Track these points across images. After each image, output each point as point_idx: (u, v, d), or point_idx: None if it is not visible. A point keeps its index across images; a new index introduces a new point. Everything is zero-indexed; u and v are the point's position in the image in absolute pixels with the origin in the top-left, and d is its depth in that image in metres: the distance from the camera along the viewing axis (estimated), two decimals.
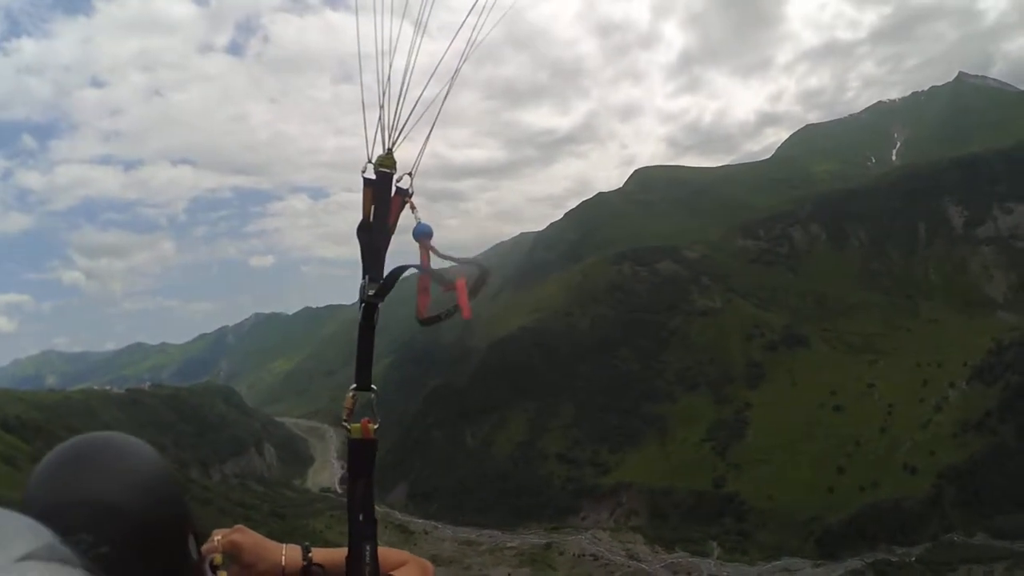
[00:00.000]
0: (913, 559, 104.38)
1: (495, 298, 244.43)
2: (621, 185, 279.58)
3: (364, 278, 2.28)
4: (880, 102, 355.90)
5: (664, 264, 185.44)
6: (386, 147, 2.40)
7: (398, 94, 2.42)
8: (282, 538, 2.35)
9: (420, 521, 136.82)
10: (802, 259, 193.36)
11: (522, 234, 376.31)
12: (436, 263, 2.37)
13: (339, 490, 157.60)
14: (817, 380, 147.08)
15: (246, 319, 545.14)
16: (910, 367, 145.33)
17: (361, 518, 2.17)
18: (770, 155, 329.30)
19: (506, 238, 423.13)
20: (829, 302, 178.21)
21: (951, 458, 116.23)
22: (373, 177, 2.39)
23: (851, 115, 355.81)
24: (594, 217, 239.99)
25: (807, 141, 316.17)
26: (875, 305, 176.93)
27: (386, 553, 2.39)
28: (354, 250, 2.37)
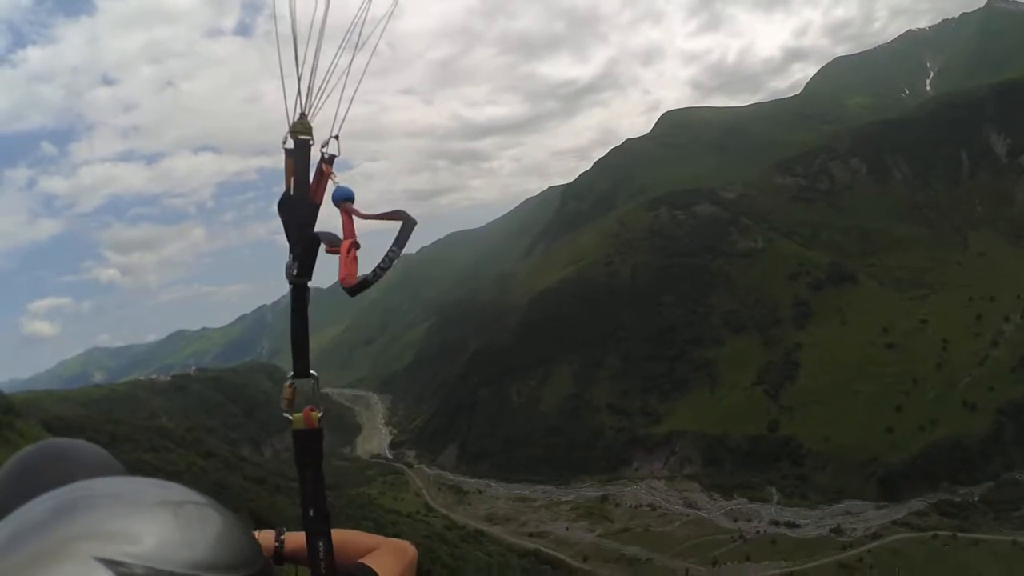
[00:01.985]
0: (976, 499, 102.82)
1: (528, 254, 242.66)
2: (649, 131, 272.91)
3: (289, 257, 2.06)
4: (910, 31, 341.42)
5: (702, 207, 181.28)
6: (301, 111, 2.13)
7: (314, 53, 2.13)
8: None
9: (472, 481, 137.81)
10: (843, 194, 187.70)
11: (550, 188, 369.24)
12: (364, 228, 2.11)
13: (390, 456, 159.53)
14: (867, 317, 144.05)
15: (283, 296, 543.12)
16: (962, 301, 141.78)
17: (312, 513, 2.01)
18: (799, 91, 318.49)
19: (533, 194, 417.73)
20: (874, 237, 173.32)
21: (1010, 394, 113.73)
22: (291, 147, 2.11)
23: (880, 46, 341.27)
24: (625, 164, 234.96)
25: (837, 75, 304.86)
26: (921, 239, 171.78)
27: (357, 539, 2.32)
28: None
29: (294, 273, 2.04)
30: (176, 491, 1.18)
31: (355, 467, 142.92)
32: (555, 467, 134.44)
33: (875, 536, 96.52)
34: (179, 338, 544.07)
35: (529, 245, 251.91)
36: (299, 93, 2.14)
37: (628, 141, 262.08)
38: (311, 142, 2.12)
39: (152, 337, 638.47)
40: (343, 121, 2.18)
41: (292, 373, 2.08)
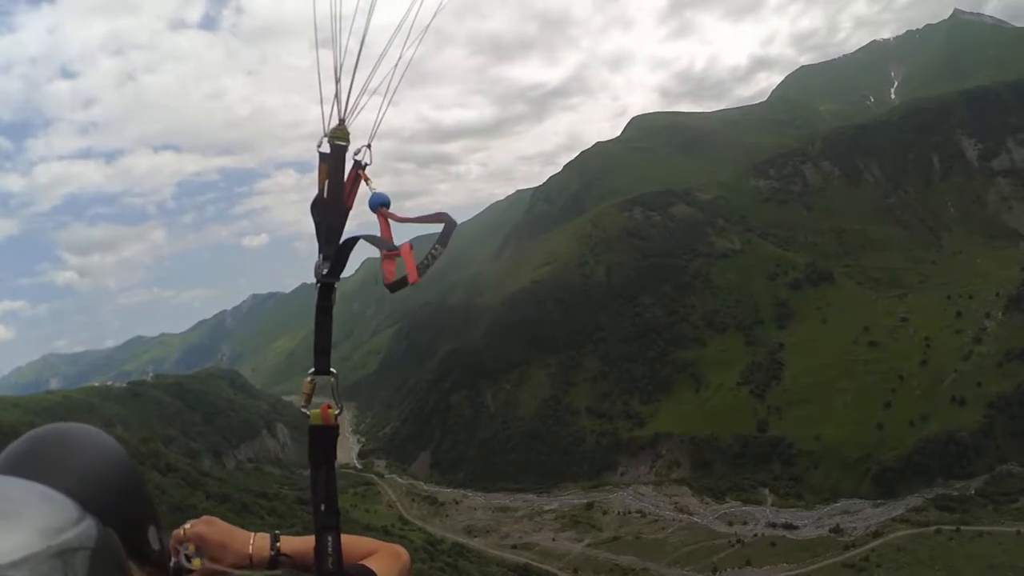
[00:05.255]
0: (973, 492, 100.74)
1: (497, 257, 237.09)
2: (618, 135, 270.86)
3: (319, 257, 2.19)
4: (874, 41, 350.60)
5: (678, 208, 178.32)
6: (340, 118, 2.25)
7: (355, 60, 2.24)
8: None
9: (448, 491, 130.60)
10: (817, 196, 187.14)
11: (518, 191, 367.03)
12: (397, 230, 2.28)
13: (359, 465, 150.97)
14: (847, 316, 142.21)
15: (244, 301, 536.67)
16: (941, 299, 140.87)
17: (323, 508, 2.10)
18: (764, 99, 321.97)
19: (500, 198, 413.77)
20: (849, 238, 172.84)
21: (999, 388, 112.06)
22: (327, 151, 2.25)
23: (845, 55, 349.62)
24: (595, 167, 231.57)
25: (803, 83, 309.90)
26: (896, 239, 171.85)
27: (355, 542, 2.34)
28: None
29: (324, 272, 2.17)
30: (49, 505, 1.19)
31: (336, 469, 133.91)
32: (535, 474, 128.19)
33: (877, 534, 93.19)
34: (137, 343, 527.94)
35: (498, 248, 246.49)
36: (336, 99, 2.23)
37: (598, 144, 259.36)
38: (347, 148, 2.25)
39: (110, 343, 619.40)
40: (377, 129, 2.31)
41: (313, 369, 2.18)
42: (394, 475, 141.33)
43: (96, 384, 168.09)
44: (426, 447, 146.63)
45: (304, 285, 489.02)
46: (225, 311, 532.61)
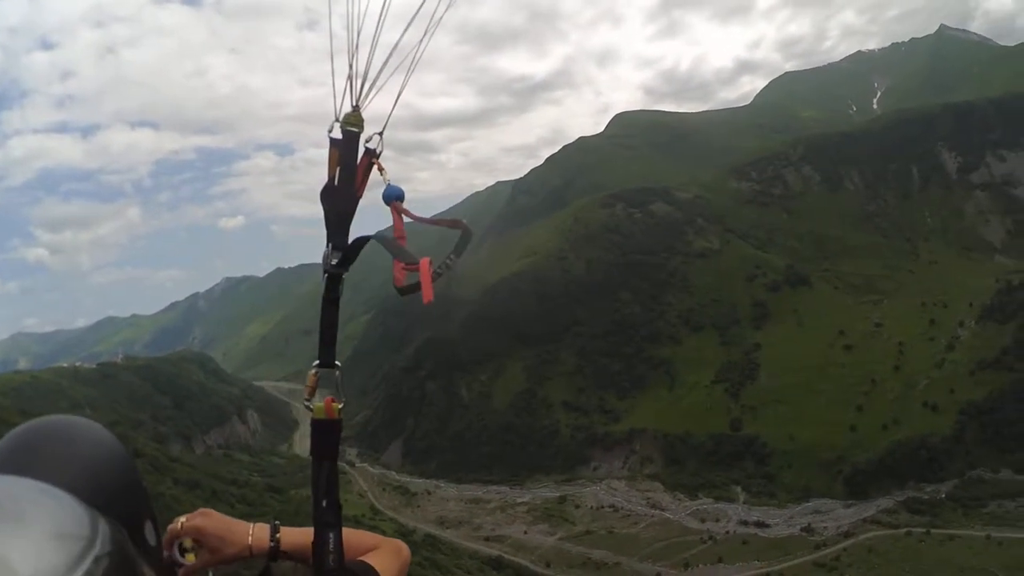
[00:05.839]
0: (943, 496, 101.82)
1: (477, 248, 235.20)
2: (601, 130, 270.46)
3: (328, 246, 2.10)
4: (860, 52, 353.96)
5: (657, 205, 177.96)
6: (354, 103, 2.17)
7: (370, 43, 2.15)
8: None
9: (420, 481, 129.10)
10: (797, 201, 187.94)
11: (498, 183, 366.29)
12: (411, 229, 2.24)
13: None
14: (823, 320, 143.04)
15: (217, 284, 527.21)
16: (915, 307, 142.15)
17: (325, 503, 2.02)
18: (747, 102, 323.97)
19: (480, 188, 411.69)
20: (828, 243, 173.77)
21: (970, 395, 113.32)
22: (339, 137, 2.16)
23: (830, 64, 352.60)
24: (577, 162, 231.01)
25: (786, 88, 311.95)
26: (874, 247, 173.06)
27: (356, 537, 2.29)
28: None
29: (333, 263, 2.08)
30: (56, 506, 1.13)
31: (294, 466, 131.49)
32: (508, 467, 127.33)
33: (848, 535, 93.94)
34: (108, 324, 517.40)
35: (478, 239, 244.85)
36: (350, 84, 2.15)
37: (581, 139, 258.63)
38: (360, 135, 2.17)
39: (81, 322, 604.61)
40: (390, 117, 2.25)
41: (317, 361, 2.10)
42: (365, 464, 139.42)
43: (65, 365, 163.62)
44: (398, 436, 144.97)
45: (279, 270, 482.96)
46: (198, 293, 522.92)
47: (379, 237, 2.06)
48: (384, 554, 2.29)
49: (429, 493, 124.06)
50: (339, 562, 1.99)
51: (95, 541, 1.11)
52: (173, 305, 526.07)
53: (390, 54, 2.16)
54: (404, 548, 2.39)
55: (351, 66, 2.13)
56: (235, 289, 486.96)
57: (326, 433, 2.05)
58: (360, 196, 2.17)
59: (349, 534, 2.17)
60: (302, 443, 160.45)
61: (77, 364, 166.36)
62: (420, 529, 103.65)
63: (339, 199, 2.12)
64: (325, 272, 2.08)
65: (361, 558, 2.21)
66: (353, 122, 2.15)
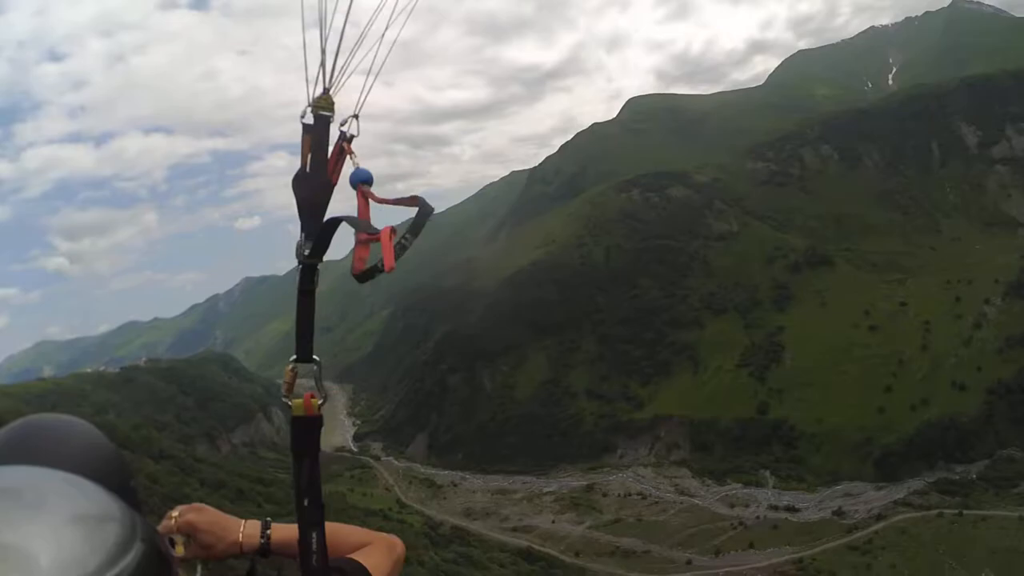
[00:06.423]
0: (974, 476, 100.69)
1: (493, 238, 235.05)
2: (614, 116, 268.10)
3: (301, 236, 2.01)
4: (873, 27, 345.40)
5: (675, 189, 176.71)
6: (325, 86, 2.09)
7: (341, 26, 2.06)
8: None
9: (445, 473, 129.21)
10: (815, 180, 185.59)
11: (512, 172, 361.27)
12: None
13: (354, 448, 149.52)
14: (847, 300, 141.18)
15: (236, 284, 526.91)
16: (939, 285, 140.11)
17: (306, 503, 1.97)
18: (760, 83, 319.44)
19: (494, 179, 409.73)
20: (847, 222, 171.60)
21: (999, 373, 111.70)
22: (311, 122, 2.09)
23: (843, 41, 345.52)
24: (592, 149, 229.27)
25: (800, 67, 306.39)
26: (895, 224, 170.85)
27: (346, 533, 2.27)
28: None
29: (306, 253, 1.99)
30: (86, 497, 1.09)
31: (320, 461, 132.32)
32: (533, 456, 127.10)
33: (879, 517, 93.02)
34: (130, 328, 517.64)
35: (494, 229, 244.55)
36: (322, 68, 2.08)
37: (595, 125, 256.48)
38: (332, 119, 2.09)
39: (104, 328, 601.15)
40: (364, 100, 2.15)
41: (294, 356, 2.05)
42: (391, 458, 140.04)
43: (88, 370, 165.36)
44: (423, 429, 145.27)
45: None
46: (218, 295, 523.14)
47: (344, 217, 1.98)
48: (376, 551, 2.22)
49: (455, 485, 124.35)
50: (323, 563, 1.94)
51: (136, 527, 1.12)
52: (194, 307, 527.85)
53: (359, 41, 2.07)
54: (398, 544, 2.33)
55: (323, 50, 2.06)
56: (255, 289, 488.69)
57: (306, 430, 2.00)
58: (335, 183, 2.07)
59: (340, 529, 2.16)
60: (327, 439, 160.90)
61: (101, 369, 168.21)
62: (447, 521, 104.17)
63: (312, 186, 2.04)
64: (299, 263, 2.00)
65: (352, 555, 2.16)
66: (323, 106, 2.06)
